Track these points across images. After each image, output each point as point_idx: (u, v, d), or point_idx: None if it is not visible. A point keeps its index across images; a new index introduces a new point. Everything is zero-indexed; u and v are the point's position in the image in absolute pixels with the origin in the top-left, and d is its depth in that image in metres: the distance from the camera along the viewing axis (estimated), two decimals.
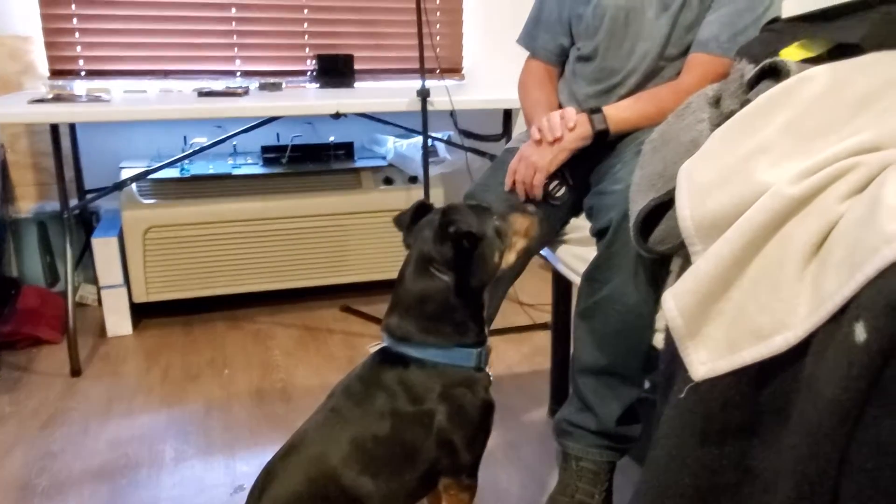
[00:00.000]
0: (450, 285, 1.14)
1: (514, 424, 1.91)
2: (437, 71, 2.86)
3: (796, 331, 0.90)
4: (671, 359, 1.10)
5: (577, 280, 1.49)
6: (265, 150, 2.63)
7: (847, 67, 1.01)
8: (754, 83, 1.12)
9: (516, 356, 2.32)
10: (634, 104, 1.42)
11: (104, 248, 2.41)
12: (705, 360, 1.00)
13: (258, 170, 2.58)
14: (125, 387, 2.12)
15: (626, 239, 1.24)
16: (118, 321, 2.47)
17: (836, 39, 1.06)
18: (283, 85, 2.67)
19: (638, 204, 1.17)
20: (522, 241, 1.23)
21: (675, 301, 1.00)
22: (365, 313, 2.64)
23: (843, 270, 0.85)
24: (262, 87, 2.63)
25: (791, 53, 1.12)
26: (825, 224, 0.90)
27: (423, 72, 2.20)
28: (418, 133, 2.40)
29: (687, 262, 1.12)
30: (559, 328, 1.97)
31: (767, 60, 1.09)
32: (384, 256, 2.69)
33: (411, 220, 1.25)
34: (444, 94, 2.22)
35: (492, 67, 3.03)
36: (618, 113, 1.40)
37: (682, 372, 1.04)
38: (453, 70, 3.03)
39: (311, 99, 2.41)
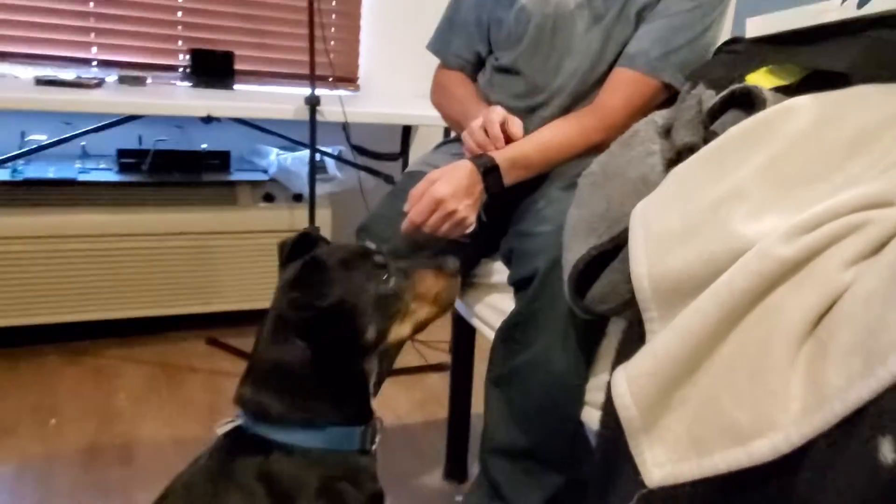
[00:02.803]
0: (309, 356, 0.87)
1: (405, 493, 1.64)
2: (330, 79, 2.59)
3: (788, 434, 0.69)
4: (611, 448, 0.88)
5: (489, 334, 1.25)
6: (122, 154, 2.24)
7: (834, 100, 0.83)
8: (717, 113, 0.92)
9: (406, 403, 2.05)
10: (543, 135, 1.20)
11: None
12: (663, 462, 0.78)
13: (112, 177, 2.19)
14: None
15: (554, 292, 1.01)
16: None
17: (816, 66, 0.88)
18: (149, 80, 2.30)
19: (574, 252, 0.95)
20: (427, 308, 0.95)
21: (628, 385, 0.78)
22: (235, 348, 2.30)
23: (855, 362, 0.65)
24: (122, 80, 2.24)
25: (758, 80, 0.93)
26: (825, 296, 0.70)
27: (313, 78, 1.92)
28: (305, 146, 2.11)
29: (633, 327, 0.91)
30: (458, 371, 1.72)
31: (737, 86, 0.89)
32: (261, 282, 2.36)
33: (289, 255, 0.97)
34: (336, 103, 1.95)
35: (391, 79, 2.78)
36: (521, 146, 1.18)
37: (629, 470, 0.82)
38: (348, 79, 2.76)
39: (179, 98, 2.06)
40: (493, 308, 1.26)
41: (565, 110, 1.28)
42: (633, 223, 0.85)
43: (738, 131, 0.83)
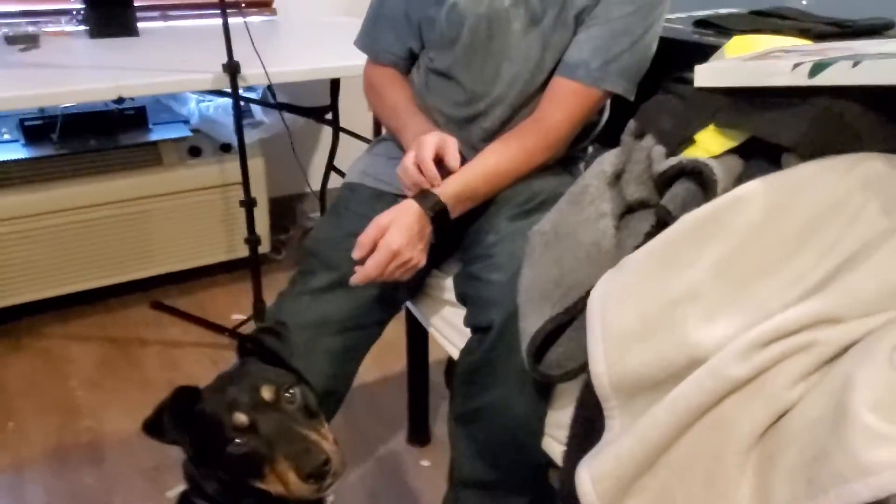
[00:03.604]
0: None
1: (372, 460, 1.73)
2: (242, 5, 2.38)
3: None
4: (573, 485, 0.94)
5: (451, 349, 1.27)
6: (26, 122, 2.06)
7: (784, 185, 0.83)
8: (668, 180, 0.91)
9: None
10: (487, 162, 1.16)
11: None
12: None
13: (21, 152, 2.02)
14: None
15: (510, 345, 1.03)
16: None
17: (764, 136, 0.87)
18: (41, 34, 2.08)
19: (530, 321, 0.96)
20: (277, 486, 0.85)
21: (593, 485, 0.83)
22: (180, 311, 2.27)
23: (800, 484, 0.71)
24: (11, 40, 2.02)
25: (709, 140, 0.92)
26: (773, 411, 0.75)
27: (227, 24, 1.72)
28: (226, 95, 1.98)
29: (591, 387, 0.94)
30: (414, 320, 1.74)
31: (687, 160, 0.88)
32: (197, 240, 2.30)
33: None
34: (252, 54, 1.77)
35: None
36: (465, 178, 1.14)
37: None
38: (261, 3, 2.54)
39: (78, 66, 1.88)
40: (449, 324, 1.28)
41: (506, 120, 1.23)
42: (591, 315, 0.86)
43: (691, 223, 0.83)
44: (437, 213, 1.10)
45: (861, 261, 0.76)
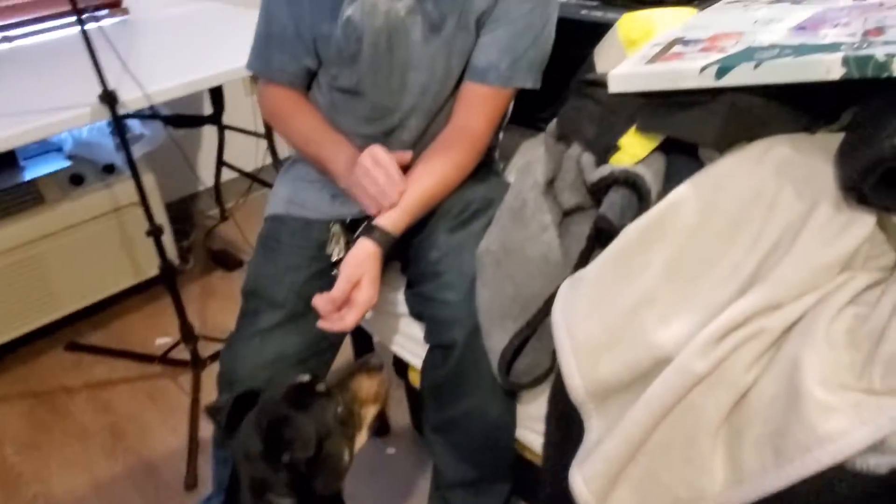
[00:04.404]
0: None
1: None
2: (92, 9, 2.20)
3: (718, 502, 0.86)
4: (558, 481, 1.02)
5: (412, 360, 1.31)
6: None
7: (710, 185, 0.91)
8: (602, 187, 0.97)
9: None
10: (425, 186, 1.15)
11: None
12: None
13: None
14: None
15: (476, 357, 1.08)
16: None
17: (684, 137, 0.94)
18: None
19: (495, 339, 1.01)
20: (373, 408, 1.02)
21: (586, 486, 0.91)
22: (98, 347, 2.17)
23: (767, 453, 0.82)
24: None
25: (633, 144, 0.97)
26: (734, 394, 0.85)
27: (93, 52, 1.60)
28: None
29: (559, 384, 1.01)
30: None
31: (619, 171, 0.94)
32: (100, 271, 2.18)
33: (229, 418, 0.98)
34: (120, 69, 1.65)
35: None
36: (410, 207, 1.14)
37: None
38: (110, 4, 2.35)
39: None
40: (404, 335, 1.30)
41: (424, 130, 1.24)
42: (558, 332, 0.92)
43: (635, 233, 0.90)
44: (390, 244, 1.12)
45: (786, 247, 0.85)
